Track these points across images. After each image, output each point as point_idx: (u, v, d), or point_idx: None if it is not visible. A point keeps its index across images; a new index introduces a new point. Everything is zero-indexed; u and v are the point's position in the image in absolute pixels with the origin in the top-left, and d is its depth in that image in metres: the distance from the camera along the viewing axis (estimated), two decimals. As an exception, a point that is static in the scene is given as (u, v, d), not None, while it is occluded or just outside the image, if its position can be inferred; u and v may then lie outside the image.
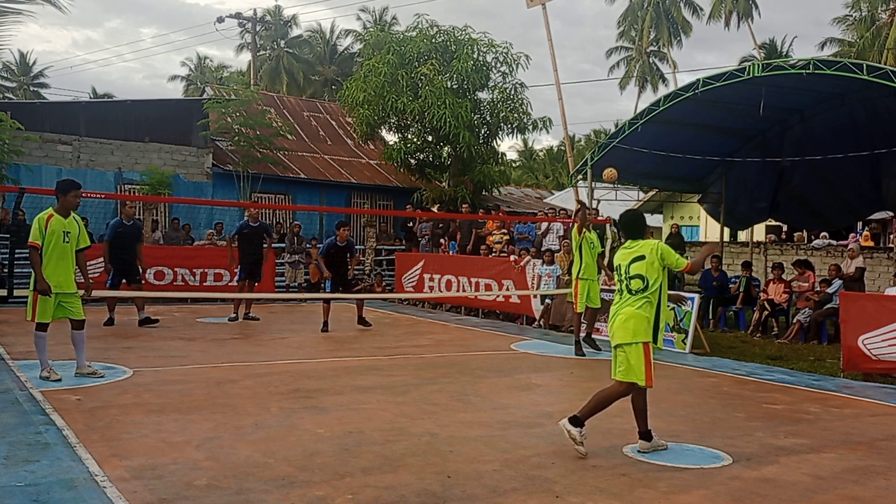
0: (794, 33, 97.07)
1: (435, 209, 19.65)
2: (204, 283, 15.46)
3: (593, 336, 10.15)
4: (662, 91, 40.38)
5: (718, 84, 12.25)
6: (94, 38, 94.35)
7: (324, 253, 11.79)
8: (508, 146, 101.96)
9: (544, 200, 28.33)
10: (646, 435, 5.28)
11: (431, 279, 15.75)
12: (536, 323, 13.27)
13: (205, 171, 19.83)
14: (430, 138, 20.66)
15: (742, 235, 22.47)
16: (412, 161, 20.97)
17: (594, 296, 9.90)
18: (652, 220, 27.83)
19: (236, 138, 19.81)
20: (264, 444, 5.21)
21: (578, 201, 10.38)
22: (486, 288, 14.34)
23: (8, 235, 11.86)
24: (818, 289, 12.42)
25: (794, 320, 12.10)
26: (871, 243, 21.08)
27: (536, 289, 13.23)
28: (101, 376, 7.30)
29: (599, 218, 13.69)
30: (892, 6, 31.36)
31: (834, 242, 18.69)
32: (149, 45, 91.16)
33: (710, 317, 13.48)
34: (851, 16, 33.15)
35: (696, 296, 11.19)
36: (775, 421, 6.47)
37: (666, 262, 5.21)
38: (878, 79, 10.40)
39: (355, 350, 10.01)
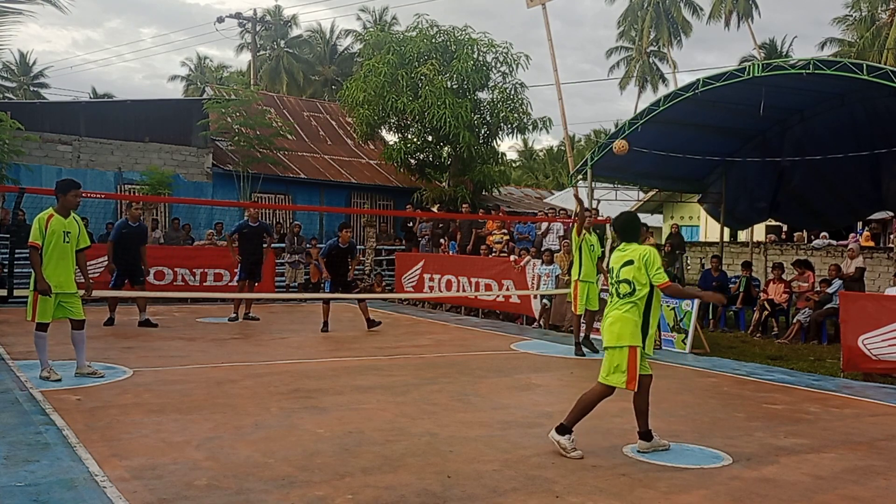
0: (794, 33, 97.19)
1: (435, 209, 19.65)
2: (204, 283, 15.46)
3: (592, 338, 10.13)
4: (662, 91, 40.42)
5: (718, 84, 12.25)
6: (94, 38, 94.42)
7: (325, 254, 11.79)
8: (508, 146, 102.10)
9: (544, 200, 28.34)
10: (646, 435, 5.28)
11: (431, 279, 15.75)
12: (536, 323, 13.27)
13: (205, 171, 19.83)
14: (430, 138, 20.65)
15: (742, 235, 22.48)
16: (412, 161, 20.96)
17: (593, 298, 9.90)
18: (652, 220, 27.88)
19: (236, 138, 19.82)
20: (264, 444, 5.21)
21: (578, 199, 10.36)
22: (486, 288, 14.34)
23: (8, 235, 11.85)
24: (818, 289, 12.42)
25: (794, 320, 12.10)
26: (871, 243, 21.08)
27: (536, 289, 13.23)
28: (101, 376, 7.30)
29: (599, 218, 13.69)
30: (892, 6, 31.36)
31: (834, 242, 18.70)
32: (149, 45, 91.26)
33: (710, 317, 13.48)
34: (851, 16, 33.16)
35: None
36: (775, 421, 6.47)
37: (649, 271, 5.15)
38: (878, 79, 10.40)
39: (355, 350, 10.01)
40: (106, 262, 11.88)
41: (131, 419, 5.78)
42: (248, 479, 4.46)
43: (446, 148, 20.72)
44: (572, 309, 10.20)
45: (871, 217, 20.33)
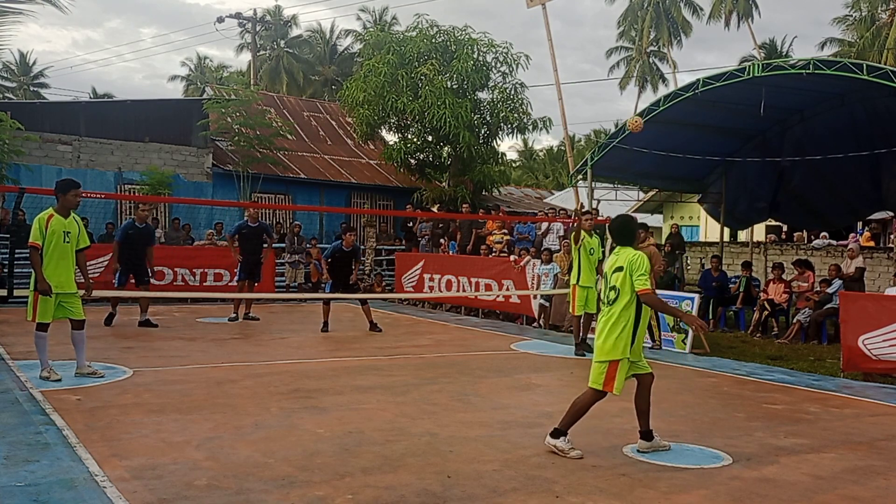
0: (794, 33, 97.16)
1: (435, 209, 19.65)
2: (204, 283, 15.46)
3: (588, 341, 10.11)
4: (662, 91, 40.42)
5: (718, 84, 12.25)
6: (94, 38, 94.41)
7: (328, 256, 11.77)
8: (508, 146, 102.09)
9: (544, 200, 28.34)
10: (647, 435, 5.28)
11: (431, 279, 15.75)
12: (536, 323, 13.27)
13: (205, 171, 19.84)
14: (430, 138, 20.66)
15: (742, 235, 22.47)
16: (412, 161, 20.97)
17: (591, 302, 9.88)
18: (652, 220, 27.87)
19: (236, 138, 19.82)
20: (264, 444, 5.21)
21: (578, 208, 10.34)
22: (486, 288, 14.34)
23: (8, 235, 11.85)
24: (818, 289, 12.42)
25: (794, 320, 12.10)
26: (871, 243, 21.07)
27: (536, 289, 13.23)
28: (101, 376, 7.30)
29: (600, 218, 13.69)
30: (892, 6, 31.36)
31: (834, 242, 18.68)
32: (149, 45, 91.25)
33: (710, 317, 13.47)
34: (851, 16, 33.15)
35: (696, 296, 11.20)
36: (775, 421, 6.47)
37: (633, 275, 5.08)
38: (878, 79, 10.40)
39: (355, 350, 10.01)
40: (106, 263, 11.87)
41: (131, 419, 5.78)
42: (248, 479, 4.46)
43: (446, 148, 20.72)
44: (570, 310, 10.21)
45: (871, 217, 20.32)
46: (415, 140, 20.81)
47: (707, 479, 4.74)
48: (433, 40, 19.78)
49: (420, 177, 21.19)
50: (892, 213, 18.93)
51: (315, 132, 24.27)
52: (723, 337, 12.21)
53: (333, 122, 25.30)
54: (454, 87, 19.48)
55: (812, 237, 20.84)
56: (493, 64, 20.09)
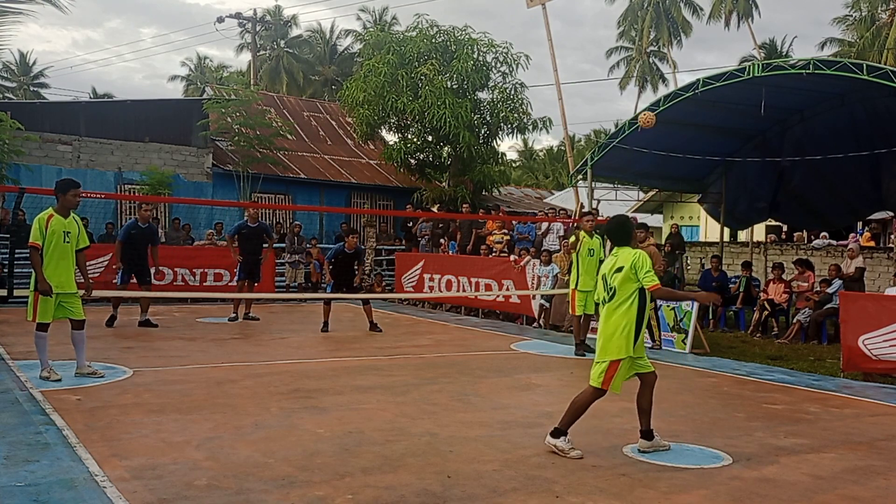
0: (794, 33, 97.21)
1: (435, 209, 19.65)
2: (204, 283, 15.46)
3: (587, 342, 10.11)
4: (662, 91, 40.42)
5: (718, 84, 12.26)
6: (94, 38, 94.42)
7: (330, 258, 11.76)
8: (508, 146, 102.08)
9: (544, 200, 28.35)
10: (647, 434, 5.28)
11: (431, 279, 15.75)
12: (536, 323, 13.26)
13: (205, 171, 19.84)
14: (430, 138, 20.66)
15: (742, 235, 22.48)
16: (412, 161, 20.97)
17: (591, 304, 9.85)
18: (652, 220, 27.87)
19: (236, 138, 19.82)
20: (264, 444, 5.21)
21: (579, 208, 10.36)
22: (486, 288, 14.34)
23: (8, 235, 11.85)
24: (818, 289, 12.42)
25: (794, 320, 12.10)
26: (871, 243, 21.08)
27: (536, 289, 13.23)
28: (101, 376, 7.30)
29: (600, 218, 13.68)
30: (892, 6, 31.36)
31: (834, 242, 18.69)
32: (149, 45, 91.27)
33: (710, 317, 13.47)
34: (851, 16, 33.16)
35: (696, 295, 11.18)
36: (775, 421, 6.47)
37: (638, 274, 5.10)
38: (878, 79, 10.41)
39: (355, 350, 10.01)
40: (106, 263, 11.85)
41: (131, 419, 5.78)
42: (248, 479, 4.46)
43: (446, 148, 20.72)
44: (570, 311, 10.21)
45: (871, 217, 20.33)
46: (415, 140, 20.81)
47: (707, 479, 4.74)
48: (433, 40, 19.78)
49: (420, 177, 21.19)
50: (892, 213, 18.94)
51: (315, 132, 24.27)
52: (723, 337, 12.22)
53: (333, 122, 25.30)
54: (454, 87, 19.48)
55: (812, 237, 20.85)
56: (493, 64, 20.09)
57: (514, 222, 16.57)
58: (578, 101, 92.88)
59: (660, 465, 5.00)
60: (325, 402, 6.60)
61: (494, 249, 15.58)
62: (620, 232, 5.44)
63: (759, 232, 22.33)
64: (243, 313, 12.69)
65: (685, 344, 10.51)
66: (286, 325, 12.53)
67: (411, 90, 19.22)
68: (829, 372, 9.15)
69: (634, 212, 24.24)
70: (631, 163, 14.85)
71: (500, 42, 20.14)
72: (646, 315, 5.21)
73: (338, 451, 5.09)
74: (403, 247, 19.05)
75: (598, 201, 15.54)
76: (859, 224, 22.77)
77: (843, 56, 28.48)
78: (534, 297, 13.32)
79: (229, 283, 14.91)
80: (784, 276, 13.29)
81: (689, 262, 18.93)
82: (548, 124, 21.05)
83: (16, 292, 8.26)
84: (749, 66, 12.01)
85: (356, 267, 11.83)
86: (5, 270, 10.86)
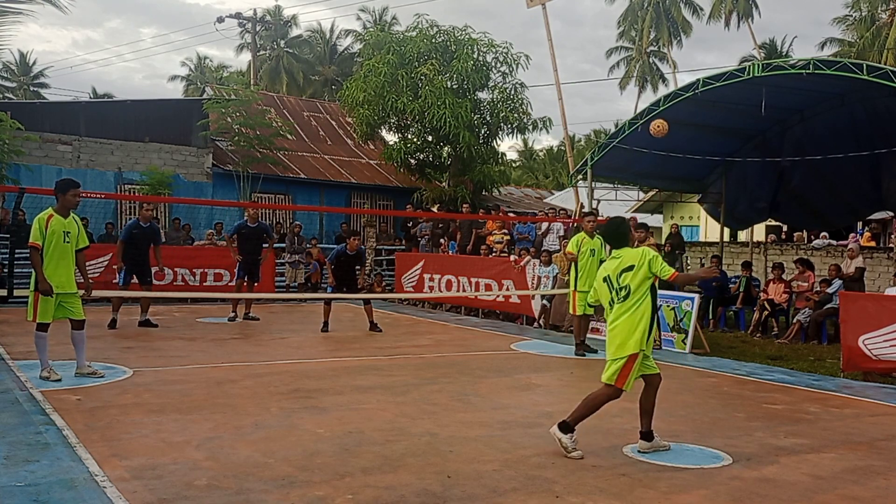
0: (794, 33, 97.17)
1: (435, 209, 19.65)
2: (204, 283, 15.46)
3: (587, 342, 10.11)
4: (662, 91, 40.42)
5: (718, 84, 12.25)
6: (94, 38, 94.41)
7: (332, 260, 11.76)
8: (508, 146, 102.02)
9: (544, 200, 28.35)
10: (647, 435, 5.28)
11: (431, 279, 15.75)
12: (536, 323, 13.26)
13: (205, 171, 19.84)
14: (430, 138, 20.66)
15: (742, 235, 22.47)
16: (412, 161, 20.97)
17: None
18: (652, 220, 27.86)
19: (236, 138, 19.82)
20: (264, 444, 5.21)
21: (578, 217, 10.36)
22: (486, 288, 14.34)
23: (8, 235, 11.84)
24: (818, 289, 12.42)
25: (794, 320, 12.10)
26: (872, 243, 21.07)
27: (536, 289, 13.23)
28: (101, 376, 7.30)
29: (601, 218, 13.68)
30: (892, 6, 31.36)
31: (834, 242, 18.68)
32: (149, 45, 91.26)
33: (710, 317, 13.47)
34: (851, 16, 33.16)
35: (696, 296, 11.19)
36: (775, 421, 6.47)
37: (653, 270, 5.16)
38: (878, 79, 10.41)
39: (355, 350, 10.01)
40: (106, 263, 11.83)
41: (131, 419, 5.78)
42: (248, 479, 4.46)
43: (446, 148, 20.73)
44: (571, 310, 10.22)
45: (871, 217, 20.32)
46: (415, 140, 20.81)
47: (707, 479, 4.74)
48: (433, 40, 19.78)
49: (420, 177, 21.19)
50: (892, 213, 18.93)
51: (315, 132, 24.27)
52: (723, 337, 12.22)
53: (333, 122, 25.30)
54: (454, 87, 19.48)
55: (812, 237, 20.84)
56: (493, 64, 20.10)
57: (513, 223, 16.56)
58: (578, 101, 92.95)
59: (660, 465, 4.99)
60: (325, 402, 6.60)
61: (494, 249, 15.58)
62: (617, 234, 5.48)
63: (759, 232, 22.32)
64: (243, 313, 12.69)
65: (685, 344, 10.51)
66: (286, 325, 12.53)
67: (411, 90, 19.22)
68: (829, 372, 9.15)
69: (634, 212, 24.23)
70: (631, 163, 14.85)
71: (500, 42, 20.19)
72: (657, 311, 5.25)
73: (338, 451, 5.09)
74: (403, 247, 19.05)
75: (598, 201, 15.54)
76: (859, 224, 22.76)
77: (843, 56, 28.47)
78: (534, 297, 13.32)
79: (229, 283, 14.88)
80: (784, 276, 13.30)
81: (689, 262, 18.91)
82: (548, 124, 21.06)
83: (16, 292, 8.25)
84: (749, 66, 12.00)
85: (358, 268, 11.83)
86: (5, 270, 10.86)
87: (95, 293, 8.08)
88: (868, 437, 6.04)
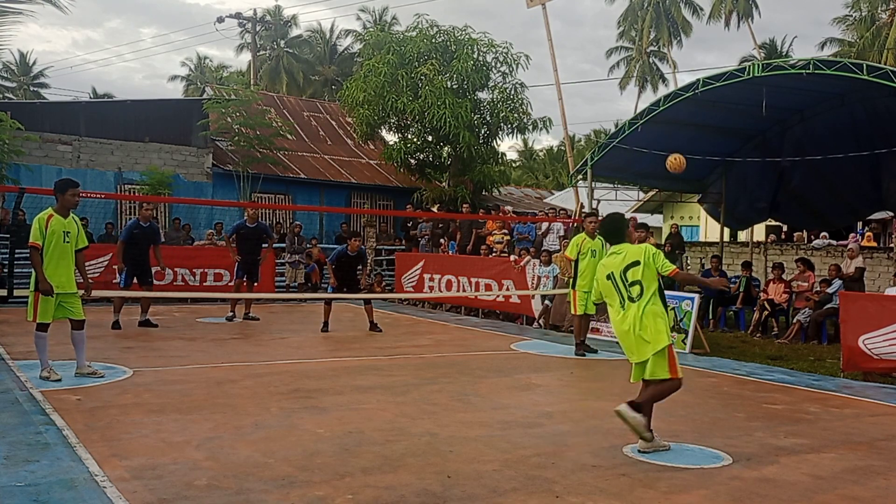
0: (794, 33, 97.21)
1: (435, 209, 19.66)
2: (204, 283, 15.46)
3: (587, 342, 10.11)
4: (662, 91, 40.42)
5: (718, 84, 12.25)
6: (94, 38, 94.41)
7: (333, 261, 11.76)
8: (508, 146, 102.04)
9: (544, 200, 28.35)
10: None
11: (431, 279, 15.75)
12: (536, 323, 13.26)
13: (205, 171, 19.84)
14: (430, 138, 20.66)
15: (742, 235, 22.47)
16: (412, 161, 20.97)
17: (591, 306, 9.86)
18: (652, 220, 27.88)
19: (236, 138, 19.82)
20: (264, 444, 5.20)
21: (579, 217, 10.36)
22: (486, 288, 14.34)
23: (8, 235, 11.84)
24: (818, 289, 12.42)
25: (794, 320, 12.10)
26: (873, 244, 21.08)
27: (536, 289, 13.23)
28: (101, 376, 7.29)
29: (601, 218, 13.68)
30: (892, 6, 31.37)
31: (834, 242, 18.69)
32: (149, 45, 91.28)
33: (710, 317, 13.47)
34: (851, 16, 33.16)
35: (696, 296, 11.19)
36: (775, 421, 6.46)
37: (656, 265, 5.21)
38: (878, 79, 10.41)
39: (355, 350, 10.01)
40: (106, 263, 11.81)
41: (131, 419, 5.77)
42: (248, 479, 4.46)
43: (446, 148, 20.73)
44: (571, 310, 10.21)
45: (871, 217, 20.32)
46: (415, 140, 20.81)
47: (707, 479, 4.74)
48: (433, 40, 19.78)
49: (420, 177, 21.19)
50: (892, 213, 18.93)
51: (315, 132, 24.27)
52: (723, 337, 12.21)
53: (333, 122, 25.30)
54: (454, 87, 19.48)
55: (812, 237, 20.84)
56: (493, 64, 20.09)
57: (513, 223, 16.56)
58: (578, 101, 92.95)
59: (660, 465, 4.99)
60: (325, 402, 6.60)
61: (494, 249, 15.58)
62: (614, 229, 5.52)
63: (759, 232, 22.33)
64: (243, 313, 12.69)
65: (685, 344, 10.50)
66: (286, 325, 12.53)
67: (411, 90, 19.22)
68: (829, 372, 9.15)
69: (634, 212, 24.22)
70: (631, 163, 14.85)
71: (500, 42, 20.19)
72: (667, 308, 5.33)
73: (338, 451, 5.09)
74: (403, 247, 19.05)
75: (598, 201, 15.53)
76: (860, 224, 22.77)
77: (843, 56, 28.48)
78: (534, 297, 13.32)
79: (229, 283, 14.88)
80: (784, 276, 13.30)
81: (689, 262, 18.92)
82: (548, 124, 21.06)
83: (16, 292, 8.26)
84: (749, 66, 12.00)
85: (359, 269, 11.83)
86: (5, 270, 10.86)
87: (95, 293, 8.08)
88: (868, 437, 6.04)
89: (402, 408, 6.47)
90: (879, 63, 19.32)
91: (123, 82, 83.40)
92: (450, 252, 16.86)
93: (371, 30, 26.67)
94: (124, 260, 11.23)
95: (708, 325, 13.10)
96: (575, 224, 13.54)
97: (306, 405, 6.43)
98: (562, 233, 14.81)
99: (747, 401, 7.35)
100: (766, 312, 12.70)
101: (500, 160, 21.61)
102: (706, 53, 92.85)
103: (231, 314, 12.49)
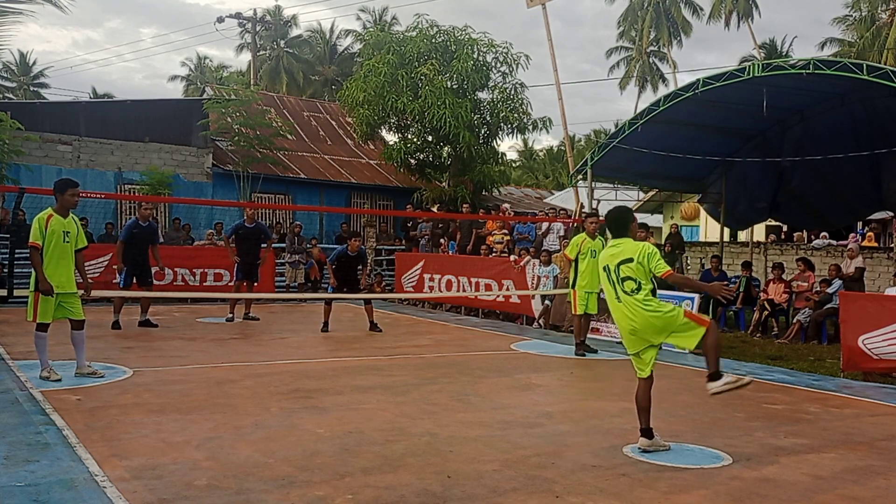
0: (794, 33, 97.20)
1: (435, 209, 19.66)
2: (204, 283, 15.45)
3: (587, 342, 10.10)
4: (662, 91, 40.42)
5: (718, 84, 12.25)
6: (94, 38, 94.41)
7: (333, 261, 11.76)
8: (508, 146, 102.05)
9: (544, 200, 28.36)
10: (647, 433, 5.27)
11: (431, 279, 15.75)
12: (536, 323, 13.26)
13: (205, 171, 19.84)
14: (430, 138, 20.66)
15: (742, 235, 22.46)
16: (412, 161, 20.97)
17: (592, 303, 9.87)
18: (652, 220, 27.87)
19: (236, 138, 19.83)
20: (264, 444, 5.20)
21: (580, 217, 10.37)
22: (486, 288, 14.34)
23: (8, 235, 11.84)
24: (818, 289, 12.42)
25: (794, 320, 12.10)
26: (873, 244, 21.08)
27: (536, 289, 13.23)
28: (101, 376, 7.29)
29: (601, 218, 13.68)
30: (892, 6, 31.37)
31: (834, 242, 18.69)
32: (149, 45, 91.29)
33: (710, 317, 13.45)
34: (851, 16, 33.17)
35: (696, 296, 11.18)
36: (775, 421, 6.47)
37: (649, 265, 5.17)
38: (878, 79, 10.40)
39: (355, 350, 10.01)
40: (106, 263, 11.80)
41: (131, 419, 5.77)
42: (248, 479, 4.46)
43: (446, 148, 20.73)
44: (572, 310, 10.21)
45: (872, 217, 20.32)
46: (415, 140, 20.81)
47: (707, 479, 4.74)
48: (433, 40, 19.79)
49: (420, 177, 21.19)
50: (892, 213, 18.93)
51: (315, 132, 24.27)
52: (723, 337, 12.19)
53: (333, 122, 25.30)
54: (454, 87, 19.49)
55: (812, 237, 20.84)
56: (493, 64, 20.10)
57: (513, 223, 16.56)
58: (578, 101, 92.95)
59: (660, 465, 4.99)
60: (325, 402, 6.60)
61: (494, 249, 15.58)
62: (618, 221, 5.52)
63: (759, 232, 22.33)
64: (243, 313, 12.68)
65: (685, 344, 10.48)
66: (286, 325, 12.53)
67: (411, 90, 19.22)
68: (829, 372, 9.15)
69: (634, 212, 24.19)
70: (631, 163, 14.85)
71: (500, 42, 20.19)
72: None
73: (338, 451, 5.09)
74: (403, 247, 19.05)
75: (598, 201, 15.53)
76: (860, 224, 22.76)
77: (843, 56, 28.47)
78: (534, 297, 13.31)
79: (229, 283, 14.88)
80: (784, 276, 13.29)
81: (689, 262, 18.92)
82: (548, 124, 21.06)
83: (16, 292, 8.26)
84: (749, 66, 12.00)
85: (360, 269, 11.82)
86: (5, 270, 10.86)
87: (95, 293, 8.08)
88: (868, 437, 6.03)
89: (402, 408, 6.47)
90: (879, 63, 19.32)
91: (123, 82, 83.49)
92: (450, 252, 16.86)
93: (371, 30, 26.67)
94: (124, 260, 11.22)
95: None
96: (575, 224, 13.54)
97: (306, 405, 6.43)
98: (562, 233, 14.81)
99: (747, 401, 7.34)
100: (766, 312, 12.70)
101: (500, 160, 21.62)
102: (706, 53, 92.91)
103: (230, 315, 12.47)
